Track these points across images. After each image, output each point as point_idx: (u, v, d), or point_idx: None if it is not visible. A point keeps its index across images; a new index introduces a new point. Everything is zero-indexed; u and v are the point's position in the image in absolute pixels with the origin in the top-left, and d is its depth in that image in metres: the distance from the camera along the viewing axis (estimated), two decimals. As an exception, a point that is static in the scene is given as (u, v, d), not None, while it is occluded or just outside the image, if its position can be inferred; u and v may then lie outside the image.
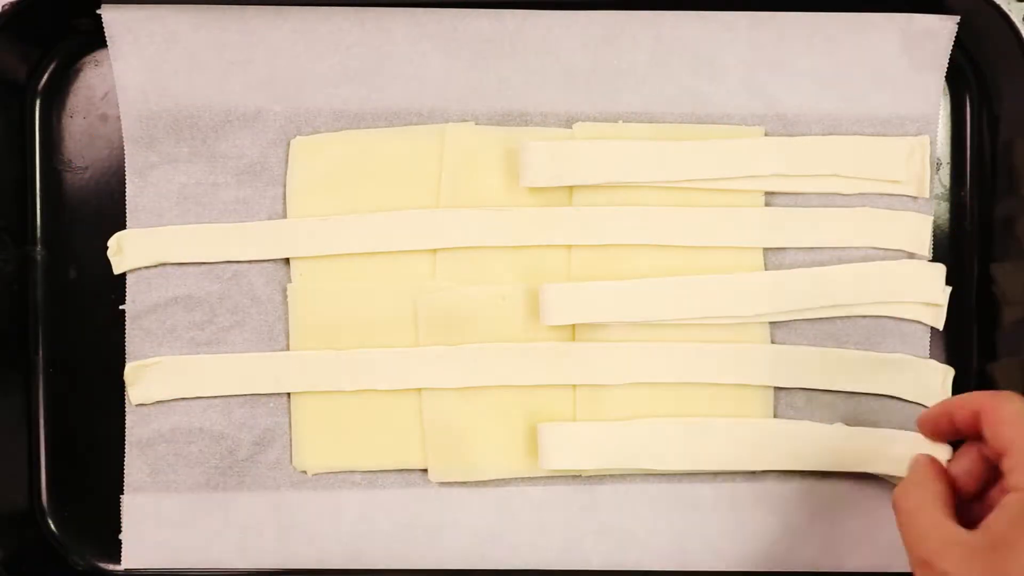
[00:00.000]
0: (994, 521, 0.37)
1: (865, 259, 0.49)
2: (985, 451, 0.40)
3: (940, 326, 0.50)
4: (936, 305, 0.49)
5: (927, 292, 0.49)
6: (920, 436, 0.48)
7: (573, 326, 0.49)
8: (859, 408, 0.49)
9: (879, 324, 0.49)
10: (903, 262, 0.49)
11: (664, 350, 0.48)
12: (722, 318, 0.48)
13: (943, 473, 0.41)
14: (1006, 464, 0.38)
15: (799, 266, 0.49)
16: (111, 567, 0.50)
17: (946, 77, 0.50)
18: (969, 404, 0.41)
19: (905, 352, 0.49)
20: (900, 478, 0.49)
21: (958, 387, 0.50)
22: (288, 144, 0.49)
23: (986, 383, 0.50)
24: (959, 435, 0.42)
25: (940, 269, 0.49)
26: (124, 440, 0.49)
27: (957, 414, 0.41)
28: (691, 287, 0.48)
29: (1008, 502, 0.37)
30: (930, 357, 0.50)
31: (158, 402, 0.49)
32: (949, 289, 0.49)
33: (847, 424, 0.49)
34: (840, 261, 0.49)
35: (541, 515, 0.49)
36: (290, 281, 0.49)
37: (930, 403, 0.49)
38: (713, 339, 0.49)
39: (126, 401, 0.49)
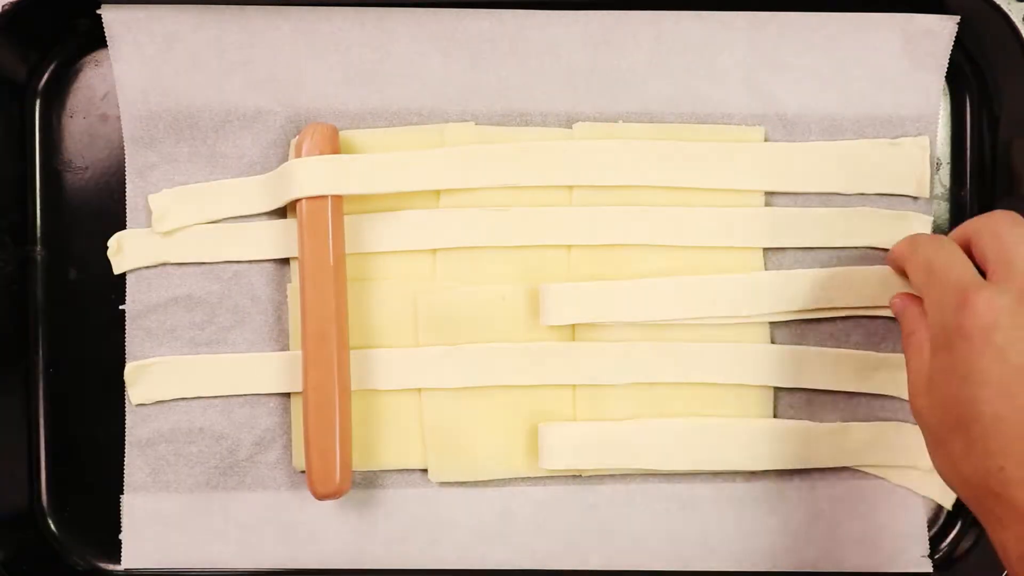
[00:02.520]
0: None
1: (865, 259, 0.49)
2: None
3: None
4: None
5: None
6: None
7: (573, 326, 0.49)
8: (859, 408, 0.49)
9: (879, 324, 0.49)
10: None
11: (664, 350, 0.48)
12: (722, 318, 0.48)
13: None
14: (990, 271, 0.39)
15: (799, 266, 0.49)
16: (111, 567, 0.50)
17: (946, 77, 0.50)
18: (962, 234, 0.41)
19: (905, 352, 0.49)
20: (899, 474, 0.49)
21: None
22: (288, 144, 0.49)
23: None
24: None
25: None
26: (124, 440, 0.49)
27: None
28: (691, 287, 0.48)
29: None
30: (930, 357, 0.50)
31: (158, 402, 0.49)
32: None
33: (847, 424, 0.49)
34: (840, 261, 0.49)
35: (541, 515, 0.49)
36: (290, 281, 0.49)
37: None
38: (713, 339, 0.49)
39: (126, 401, 0.49)
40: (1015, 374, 0.37)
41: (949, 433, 0.39)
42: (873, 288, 0.49)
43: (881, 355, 0.49)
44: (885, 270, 0.49)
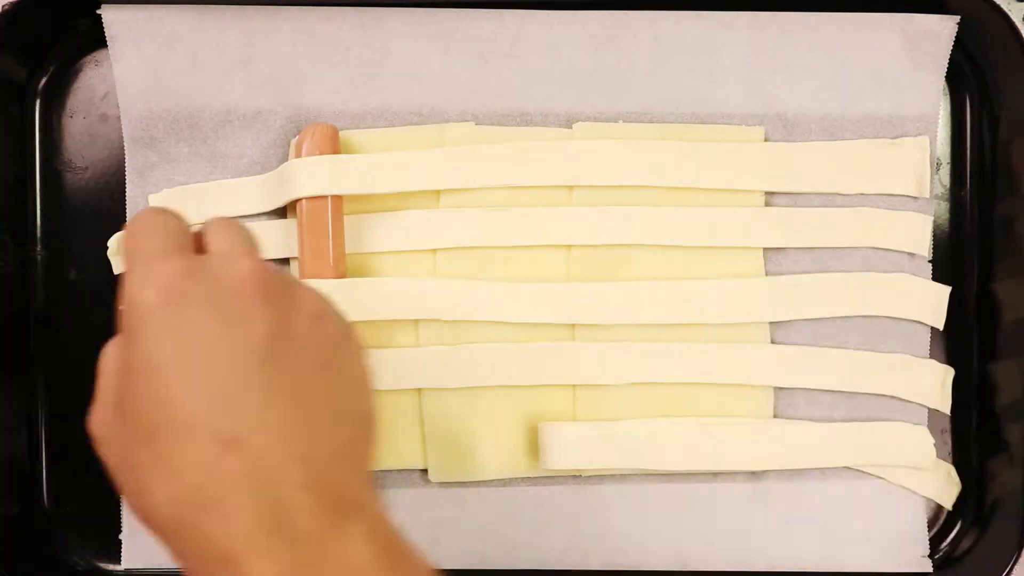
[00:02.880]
0: None
1: (865, 259, 0.49)
2: None
3: (940, 325, 0.50)
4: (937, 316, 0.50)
5: (930, 312, 0.49)
6: (923, 430, 0.48)
7: (573, 326, 0.49)
8: (859, 408, 0.49)
9: (879, 324, 0.49)
10: (907, 277, 0.49)
11: (664, 350, 0.48)
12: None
13: None
14: None
15: (800, 266, 0.49)
16: (111, 567, 0.50)
17: (946, 77, 0.50)
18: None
19: (905, 352, 0.49)
20: (899, 474, 0.49)
21: (958, 387, 0.50)
22: (288, 144, 0.49)
23: (986, 383, 0.50)
24: None
25: (944, 291, 0.49)
26: (124, 440, 0.49)
27: None
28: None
29: None
30: (930, 357, 0.50)
31: (158, 402, 0.49)
32: (948, 289, 0.49)
33: (847, 424, 0.49)
34: (840, 261, 0.49)
35: (541, 515, 0.49)
36: (290, 281, 0.49)
37: (929, 403, 0.49)
38: (713, 339, 0.49)
39: (126, 401, 0.49)
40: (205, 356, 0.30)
41: (135, 450, 0.30)
42: (874, 301, 0.49)
43: (881, 355, 0.49)
44: (888, 282, 0.49)
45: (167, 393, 0.30)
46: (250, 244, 0.35)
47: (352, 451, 0.33)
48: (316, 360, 0.32)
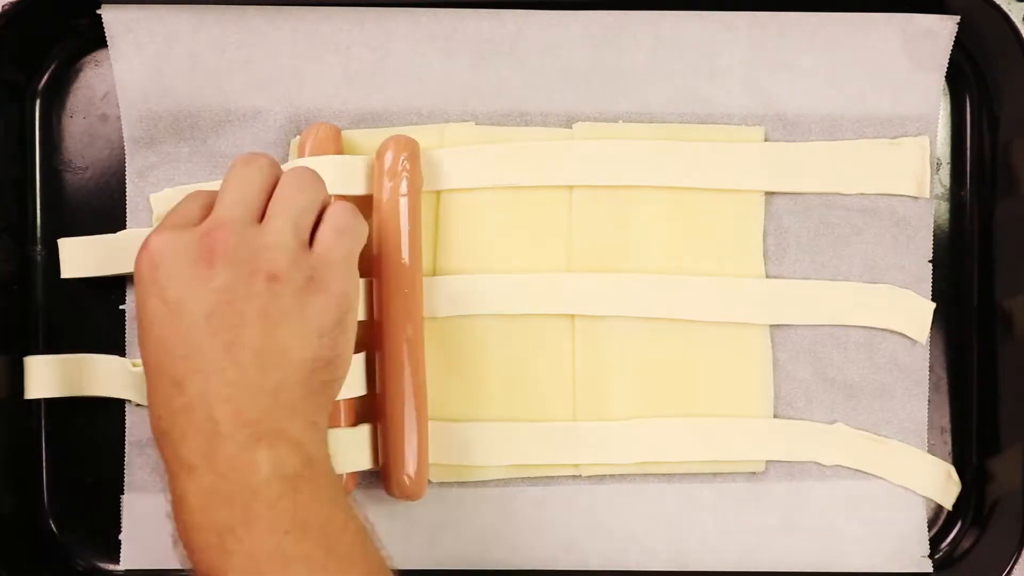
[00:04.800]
0: None
1: (865, 259, 0.49)
2: None
3: (923, 340, 0.50)
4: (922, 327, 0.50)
5: (914, 324, 0.49)
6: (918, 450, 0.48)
7: (573, 325, 0.49)
8: (859, 408, 0.49)
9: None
10: (892, 289, 0.49)
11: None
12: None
13: None
14: None
15: (798, 265, 0.49)
16: (111, 567, 0.50)
17: (946, 77, 0.50)
18: None
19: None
20: (899, 474, 0.49)
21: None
22: (288, 144, 0.49)
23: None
24: None
25: (929, 307, 0.49)
26: (124, 440, 0.49)
27: None
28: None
29: None
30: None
31: (158, 402, 0.49)
32: (933, 306, 0.49)
33: (847, 424, 0.49)
34: (840, 260, 0.49)
35: (541, 515, 0.49)
36: (290, 281, 0.49)
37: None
38: (713, 338, 0.49)
39: (126, 401, 0.49)
40: (170, 312, 0.37)
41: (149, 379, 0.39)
42: (863, 304, 0.49)
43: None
44: (874, 288, 0.49)
45: (148, 342, 0.39)
46: (240, 203, 0.40)
47: (282, 390, 0.38)
48: (259, 315, 0.38)
